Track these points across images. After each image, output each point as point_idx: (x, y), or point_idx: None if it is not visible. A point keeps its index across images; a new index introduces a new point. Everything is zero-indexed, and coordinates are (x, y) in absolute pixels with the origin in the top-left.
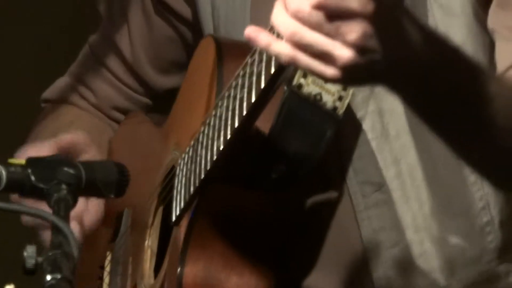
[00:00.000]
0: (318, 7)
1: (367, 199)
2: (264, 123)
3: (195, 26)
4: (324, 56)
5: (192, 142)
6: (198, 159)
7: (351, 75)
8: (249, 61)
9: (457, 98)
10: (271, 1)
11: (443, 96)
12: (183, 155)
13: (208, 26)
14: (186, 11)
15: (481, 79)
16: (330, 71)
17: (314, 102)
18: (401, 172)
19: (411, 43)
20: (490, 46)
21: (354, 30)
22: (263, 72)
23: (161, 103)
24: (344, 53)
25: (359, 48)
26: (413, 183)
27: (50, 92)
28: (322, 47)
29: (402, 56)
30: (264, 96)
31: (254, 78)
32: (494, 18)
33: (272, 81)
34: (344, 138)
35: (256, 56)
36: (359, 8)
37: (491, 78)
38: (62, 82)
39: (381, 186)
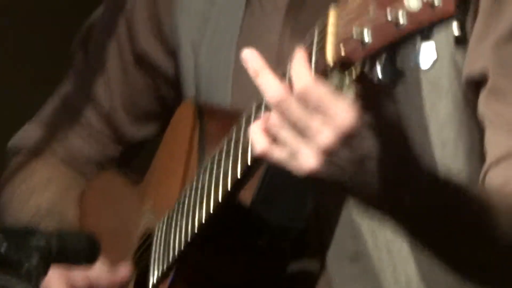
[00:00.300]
0: (301, 95)
1: (343, 271)
2: (244, 190)
3: (175, 80)
4: (293, 155)
5: (170, 211)
6: (178, 228)
7: (315, 178)
8: (234, 137)
9: (432, 212)
10: None
11: (417, 212)
12: (160, 222)
13: (189, 82)
14: (167, 65)
15: (462, 199)
16: (296, 171)
17: None
18: (377, 245)
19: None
20: (477, 127)
21: (326, 135)
22: (249, 149)
23: (132, 155)
24: (309, 160)
25: (326, 156)
26: (390, 256)
27: (19, 141)
28: (291, 146)
29: (371, 182)
30: (250, 171)
31: (240, 153)
32: (486, 104)
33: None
34: (324, 207)
35: (242, 134)
36: (338, 111)
37: (469, 194)
38: (32, 131)
39: (358, 257)
